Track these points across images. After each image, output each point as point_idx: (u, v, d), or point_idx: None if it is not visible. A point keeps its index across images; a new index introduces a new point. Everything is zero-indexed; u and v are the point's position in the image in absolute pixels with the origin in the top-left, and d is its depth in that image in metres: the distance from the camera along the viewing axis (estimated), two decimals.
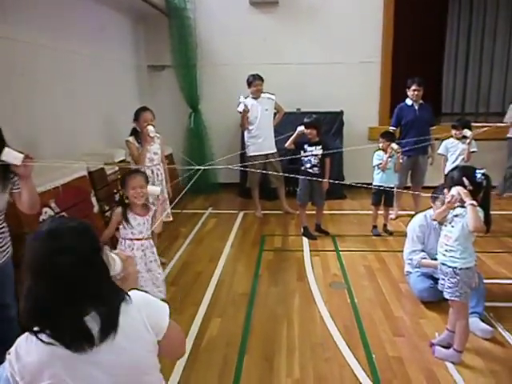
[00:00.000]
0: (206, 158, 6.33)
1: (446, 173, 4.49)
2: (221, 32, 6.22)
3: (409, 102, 4.83)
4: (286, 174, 4.24)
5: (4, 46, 3.29)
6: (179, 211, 5.01)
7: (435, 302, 3.03)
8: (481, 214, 2.32)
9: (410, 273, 3.31)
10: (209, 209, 5.67)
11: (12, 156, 1.92)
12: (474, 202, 2.30)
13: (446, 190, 2.49)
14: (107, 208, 3.97)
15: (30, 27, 3.61)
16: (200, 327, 2.91)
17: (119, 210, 2.82)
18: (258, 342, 2.75)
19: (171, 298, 3.21)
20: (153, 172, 4.00)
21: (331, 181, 4.21)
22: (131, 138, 3.85)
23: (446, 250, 2.47)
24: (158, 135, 3.98)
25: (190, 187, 5.93)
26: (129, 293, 1.20)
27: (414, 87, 4.73)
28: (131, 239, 2.82)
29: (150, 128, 3.78)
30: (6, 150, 1.91)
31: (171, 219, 4.03)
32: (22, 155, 1.93)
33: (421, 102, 4.80)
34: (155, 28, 6.16)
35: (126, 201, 2.81)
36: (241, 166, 5.76)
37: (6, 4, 3.31)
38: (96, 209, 3.79)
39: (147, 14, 5.89)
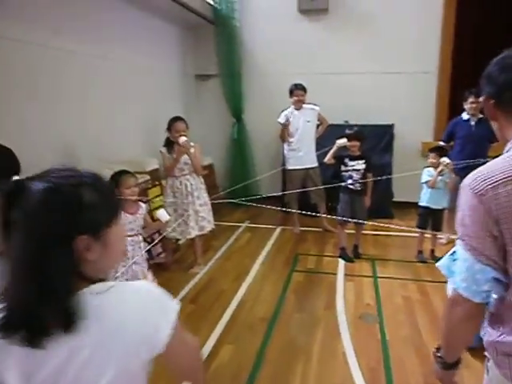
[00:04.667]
0: (247, 169, 6.17)
1: None
2: (268, 40, 6.02)
3: (465, 116, 4.35)
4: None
5: (52, 55, 3.39)
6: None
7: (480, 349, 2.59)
8: None
9: None
10: (245, 222, 5.45)
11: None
12: None
13: None
14: None
15: (80, 39, 3.71)
16: (210, 353, 2.70)
17: None
18: (269, 376, 2.48)
19: (187, 316, 3.04)
20: (181, 183, 3.89)
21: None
22: (164, 149, 3.87)
23: None
24: (192, 144, 3.88)
25: (231, 199, 5.84)
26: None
27: (471, 99, 4.24)
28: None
29: (182, 138, 3.73)
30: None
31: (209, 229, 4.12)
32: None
33: (480, 116, 4.29)
34: (202, 37, 6.11)
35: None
36: (282, 180, 5.53)
37: (59, 17, 3.42)
38: None
39: (194, 23, 5.86)
